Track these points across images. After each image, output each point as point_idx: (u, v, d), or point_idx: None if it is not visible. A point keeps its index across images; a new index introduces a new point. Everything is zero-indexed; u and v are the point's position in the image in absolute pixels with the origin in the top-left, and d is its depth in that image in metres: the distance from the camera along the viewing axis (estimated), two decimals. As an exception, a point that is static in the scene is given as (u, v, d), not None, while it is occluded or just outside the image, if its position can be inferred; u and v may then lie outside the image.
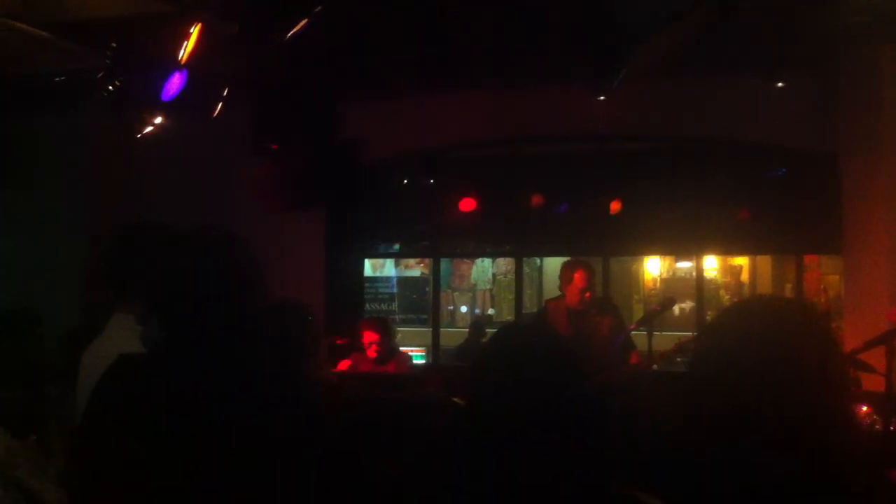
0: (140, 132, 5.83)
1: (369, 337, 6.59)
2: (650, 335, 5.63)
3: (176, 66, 5.12)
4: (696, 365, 1.75)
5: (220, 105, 5.94)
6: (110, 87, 5.39)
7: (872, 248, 7.43)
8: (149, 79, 5.23)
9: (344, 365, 6.57)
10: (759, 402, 1.60)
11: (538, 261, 14.46)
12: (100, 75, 5.30)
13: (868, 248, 7.52)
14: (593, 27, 6.30)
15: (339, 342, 7.03)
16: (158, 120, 5.75)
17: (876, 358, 4.19)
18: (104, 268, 2.96)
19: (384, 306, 14.09)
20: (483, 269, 15.44)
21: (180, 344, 2.02)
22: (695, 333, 9.70)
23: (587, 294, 6.17)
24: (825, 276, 13.01)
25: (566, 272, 6.34)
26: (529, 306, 14.15)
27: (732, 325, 1.75)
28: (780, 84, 6.78)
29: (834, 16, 6.41)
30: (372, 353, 6.57)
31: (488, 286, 15.66)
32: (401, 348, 7.37)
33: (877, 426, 4.30)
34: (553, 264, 12.80)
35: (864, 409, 4.43)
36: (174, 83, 5.27)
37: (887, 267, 7.09)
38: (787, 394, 1.60)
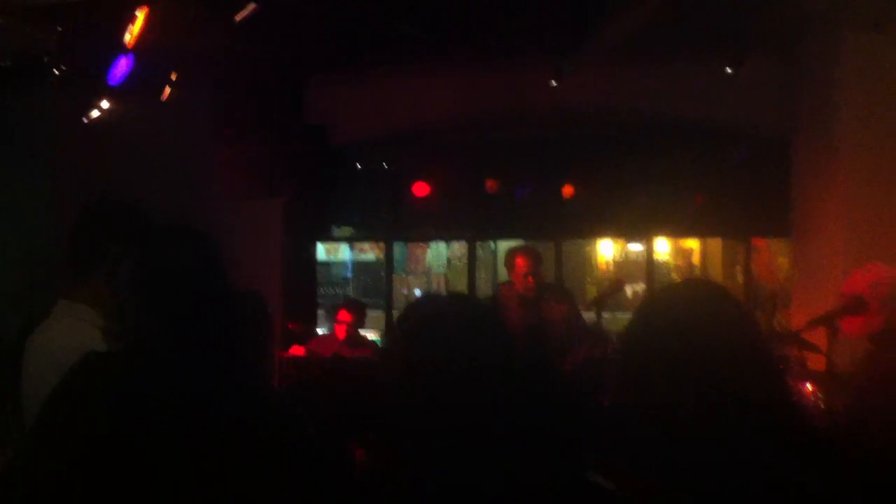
0: (88, 116, 5.76)
1: (344, 316, 6.68)
2: (600, 317, 5.67)
3: (122, 49, 5.06)
4: (626, 349, 1.79)
5: (168, 89, 5.89)
6: (57, 72, 5.32)
7: (821, 233, 7.54)
8: (95, 63, 5.17)
9: (298, 350, 6.57)
10: (690, 379, 1.64)
11: (493, 244, 14.51)
12: (46, 59, 5.22)
13: (816, 232, 7.64)
14: (553, 6, 6.33)
15: (290, 326, 7.03)
16: (106, 104, 5.70)
17: (820, 337, 4.30)
18: (68, 247, 2.89)
19: (339, 290, 14.06)
20: (438, 254, 15.45)
21: (175, 340, 1.99)
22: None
23: (530, 278, 6.17)
24: (775, 258, 13.22)
25: (509, 258, 6.37)
26: (484, 289, 14.19)
27: (659, 309, 1.79)
28: (729, 71, 6.80)
29: (796, 1, 6.46)
30: (342, 332, 6.65)
31: (443, 270, 15.69)
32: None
33: (820, 404, 4.39)
34: (509, 243, 12.86)
35: (809, 387, 4.52)
36: (121, 67, 5.21)
37: (835, 251, 7.20)
38: (718, 370, 1.65)
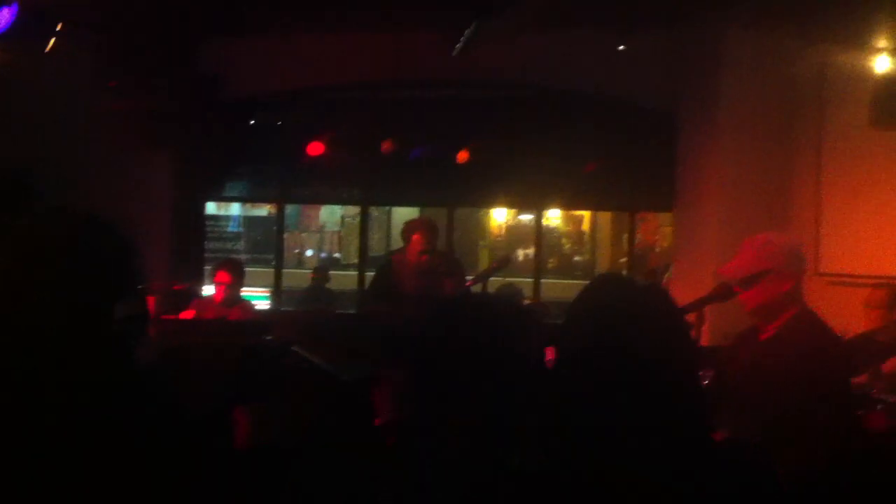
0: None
1: (222, 277, 6.56)
2: (484, 290, 5.75)
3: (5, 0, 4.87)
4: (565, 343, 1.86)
5: (53, 40, 5.70)
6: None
7: (700, 207, 7.82)
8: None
9: (188, 314, 6.47)
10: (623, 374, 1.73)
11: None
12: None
13: (696, 206, 7.91)
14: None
15: (176, 288, 6.92)
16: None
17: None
18: None
19: (229, 245, 13.85)
20: (332, 211, 15.42)
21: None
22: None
23: (424, 256, 6.26)
24: (661, 227, 13.63)
25: (406, 231, 6.44)
26: (377, 249, 14.27)
27: (596, 310, 1.87)
28: (620, 47, 6.96)
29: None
30: (220, 294, 6.55)
31: (337, 227, 15.68)
32: (243, 289, 7.27)
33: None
34: (402, 207, 12.90)
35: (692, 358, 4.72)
36: (3, 17, 5.02)
37: (712, 225, 7.47)
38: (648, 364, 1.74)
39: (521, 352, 1.94)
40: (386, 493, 1.81)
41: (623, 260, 15.16)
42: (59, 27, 5.71)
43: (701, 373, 3.97)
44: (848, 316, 5.43)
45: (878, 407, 4.46)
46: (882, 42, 5.18)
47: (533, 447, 1.80)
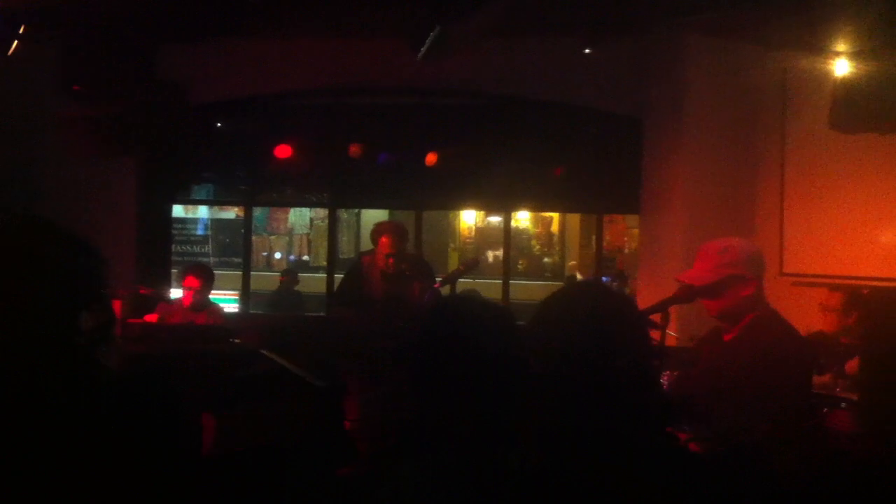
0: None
1: (191, 282, 6.58)
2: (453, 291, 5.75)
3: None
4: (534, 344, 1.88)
5: (15, 44, 5.65)
6: None
7: (666, 210, 7.89)
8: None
9: (151, 317, 6.44)
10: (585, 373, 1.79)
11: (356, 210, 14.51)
12: None
13: (662, 209, 7.98)
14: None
15: (142, 292, 6.88)
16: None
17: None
18: None
19: (196, 248, 13.78)
20: (301, 213, 15.37)
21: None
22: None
23: (391, 260, 6.28)
24: (630, 229, 13.72)
25: (374, 234, 6.45)
26: (347, 252, 14.25)
27: (561, 313, 1.91)
28: (587, 51, 7.00)
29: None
30: (188, 299, 6.56)
31: (306, 230, 15.62)
32: (212, 293, 7.23)
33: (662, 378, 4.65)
34: (371, 210, 12.88)
35: (655, 362, 4.76)
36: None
37: (678, 228, 7.55)
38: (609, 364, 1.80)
39: (517, 353, 1.95)
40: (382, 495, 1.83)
41: (572, 263, 15.39)
42: (21, 31, 5.65)
43: (666, 373, 4.03)
44: (812, 315, 5.52)
45: (842, 405, 4.54)
46: (841, 46, 5.25)
47: (532, 447, 1.82)
